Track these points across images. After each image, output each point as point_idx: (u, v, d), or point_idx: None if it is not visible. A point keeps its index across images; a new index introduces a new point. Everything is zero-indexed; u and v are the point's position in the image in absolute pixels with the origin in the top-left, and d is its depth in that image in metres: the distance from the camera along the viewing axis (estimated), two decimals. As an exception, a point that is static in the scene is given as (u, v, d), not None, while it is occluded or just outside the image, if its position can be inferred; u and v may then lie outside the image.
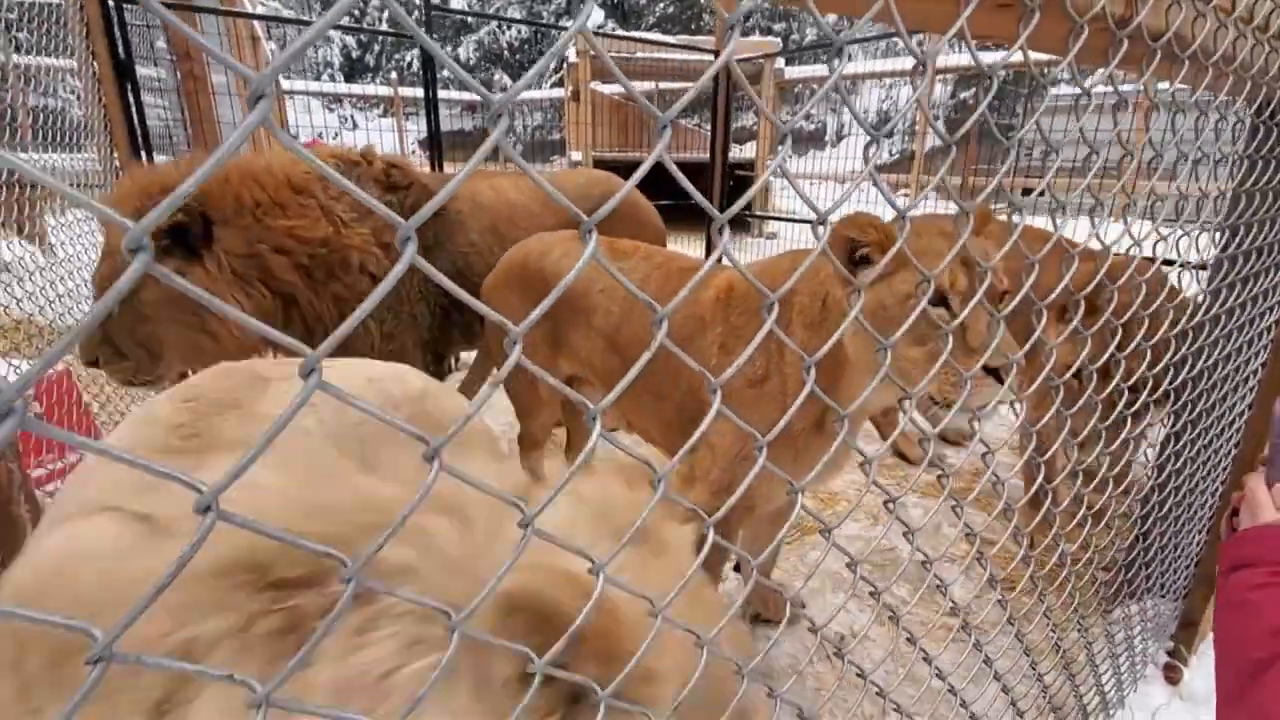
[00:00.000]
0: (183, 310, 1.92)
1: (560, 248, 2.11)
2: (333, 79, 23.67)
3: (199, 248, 1.90)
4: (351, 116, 22.35)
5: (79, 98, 2.70)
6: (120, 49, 2.80)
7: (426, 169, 3.91)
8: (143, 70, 3.07)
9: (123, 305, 1.87)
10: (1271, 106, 1.40)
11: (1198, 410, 1.62)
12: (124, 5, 2.73)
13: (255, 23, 6.82)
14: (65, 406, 2.53)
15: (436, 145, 3.92)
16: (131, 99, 2.89)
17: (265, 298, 2.04)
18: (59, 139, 2.52)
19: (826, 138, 19.84)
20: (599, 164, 9.90)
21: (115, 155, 2.80)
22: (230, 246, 1.95)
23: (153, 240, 1.55)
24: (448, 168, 4.78)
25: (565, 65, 11.13)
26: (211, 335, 1.97)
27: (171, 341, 1.96)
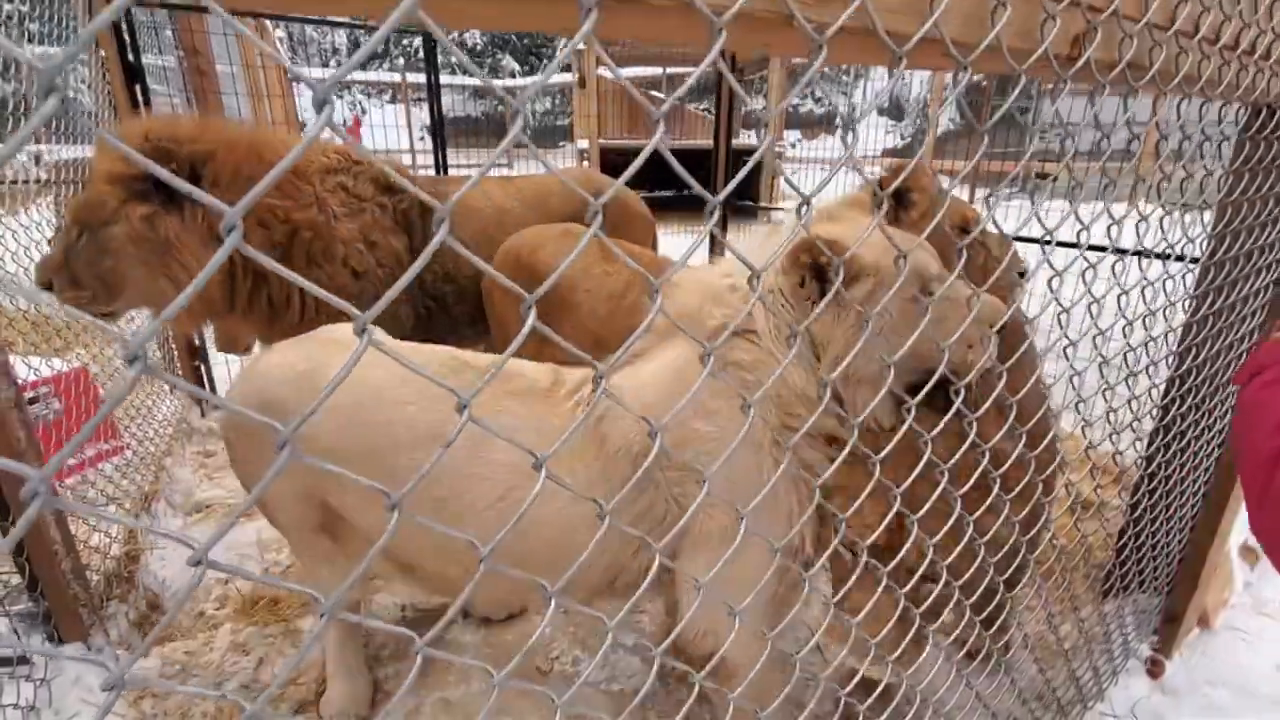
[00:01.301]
0: (149, 252, 1.93)
1: (552, 244, 2.15)
2: (340, 65, 23.56)
3: (179, 198, 1.92)
4: (359, 102, 22.33)
5: (89, 87, 2.74)
6: (127, 39, 2.84)
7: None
8: (149, 59, 3.11)
9: (90, 236, 1.89)
10: (1260, 120, 1.42)
11: (1187, 405, 1.65)
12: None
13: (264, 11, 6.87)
14: (83, 405, 2.60)
15: (439, 131, 3.93)
16: (139, 89, 2.94)
17: (234, 264, 2.08)
18: (69, 128, 2.56)
19: (837, 121, 19.65)
20: (605, 151, 9.89)
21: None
22: (214, 208, 1.99)
23: (139, 182, 1.59)
24: (453, 155, 4.81)
25: (572, 51, 11.07)
26: (172, 281, 1.97)
27: (133, 280, 1.95)
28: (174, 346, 3.48)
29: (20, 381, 1.86)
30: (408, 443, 1.25)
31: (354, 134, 4.97)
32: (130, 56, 2.91)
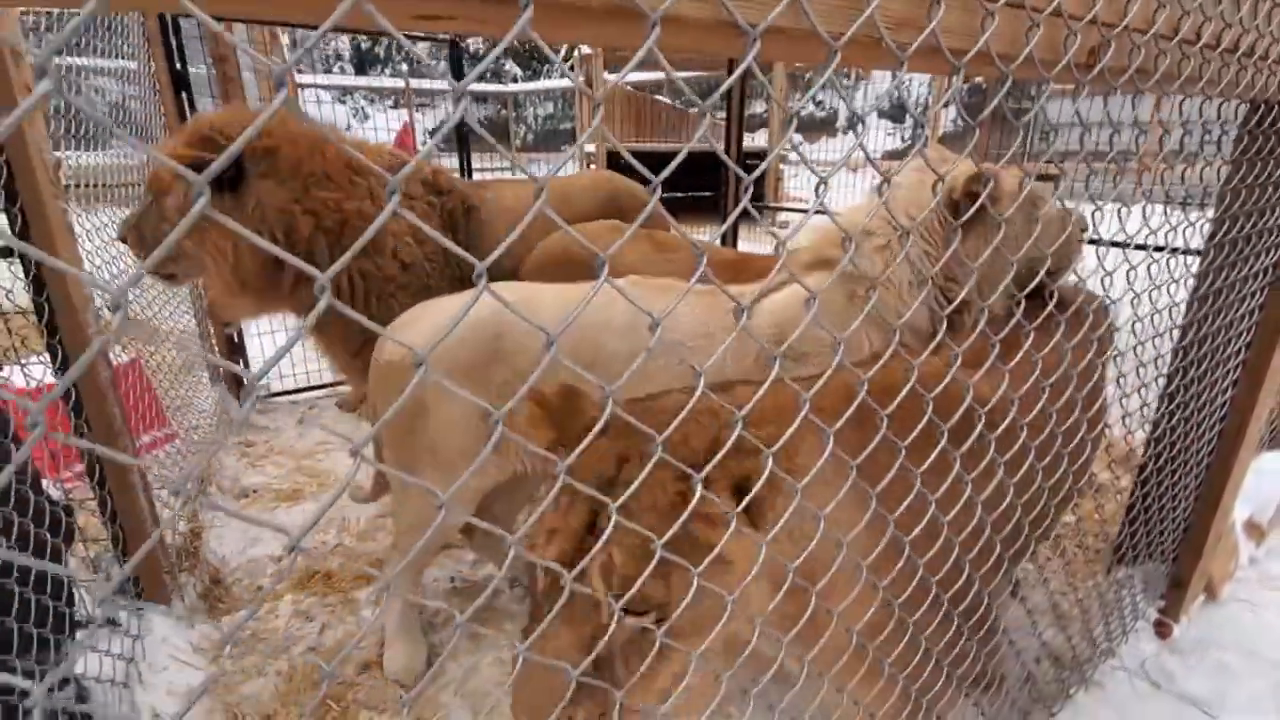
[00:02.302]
0: (196, 227, 2.10)
1: (605, 237, 2.29)
2: (343, 71, 23.85)
3: (235, 183, 2.09)
4: (362, 108, 22.54)
5: (141, 103, 2.89)
6: (176, 56, 2.99)
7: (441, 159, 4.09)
8: (194, 70, 3.26)
9: (156, 203, 2.12)
10: (1258, 115, 1.56)
11: (1190, 380, 1.78)
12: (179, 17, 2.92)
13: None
14: (139, 391, 2.74)
15: (463, 138, 4.08)
16: (185, 97, 3.09)
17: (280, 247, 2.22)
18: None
19: (838, 124, 19.83)
20: (612, 155, 10.04)
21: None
22: (269, 199, 2.14)
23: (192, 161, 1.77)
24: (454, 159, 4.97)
25: (578, 55, 11.23)
26: (208, 254, 2.14)
27: (183, 249, 2.13)
28: (214, 341, 3.62)
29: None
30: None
31: (405, 141, 5.12)
32: (178, 65, 3.06)
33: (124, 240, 2.18)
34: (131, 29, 2.78)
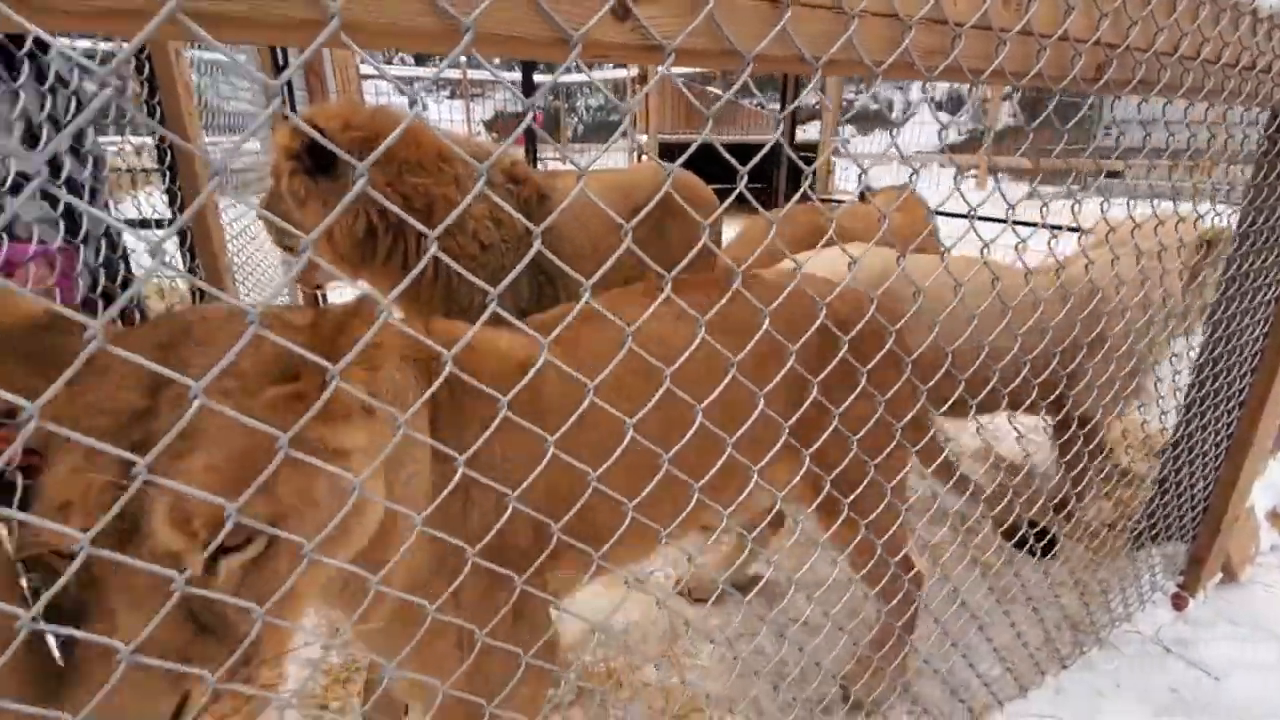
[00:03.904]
0: (294, 204, 2.38)
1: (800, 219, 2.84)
2: (403, 62, 24.57)
3: (329, 168, 2.34)
4: (421, 98, 23.14)
5: (250, 99, 3.22)
6: (281, 54, 3.32)
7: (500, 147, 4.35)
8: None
9: (277, 184, 2.39)
10: (1277, 122, 1.69)
11: (1218, 367, 1.91)
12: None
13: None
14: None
15: (530, 131, 4.33)
16: (287, 94, 3.41)
17: (373, 223, 2.49)
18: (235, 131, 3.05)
19: (893, 116, 19.52)
20: (664, 146, 10.21)
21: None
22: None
23: (294, 149, 2.11)
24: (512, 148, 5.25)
25: (631, 48, 11.37)
26: (302, 230, 2.37)
27: (295, 223, 2.41)
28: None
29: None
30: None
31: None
32: (282, 63, 3.38)
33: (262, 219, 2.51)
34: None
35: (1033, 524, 2.11)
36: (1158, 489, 2.23)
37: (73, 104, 1.52)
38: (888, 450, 1.28)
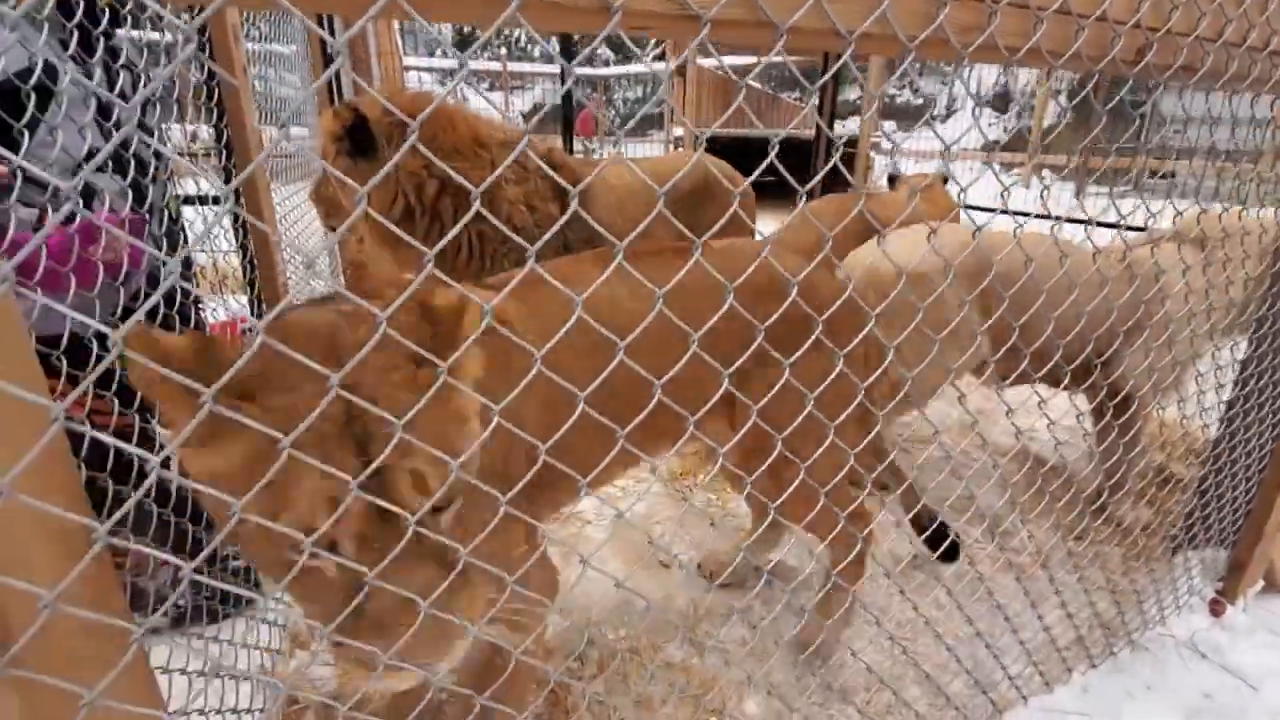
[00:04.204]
0: (338, 185, 2.52)
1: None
2: (445, 54, 24.94)
3: (368, 150, 2.42)
4: (460, 89, 23.49)
5: (298, 88, 3.33)
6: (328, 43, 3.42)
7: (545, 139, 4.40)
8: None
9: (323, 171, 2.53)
10: None
11: (1264, 368, 1.86)
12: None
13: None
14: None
15: (567, 121, 4.38)
16: (334, 83, 3.52)
17: (411, 206, 2.57)
18: (286, 120, 3.16)
19: (936, 112, 19.12)
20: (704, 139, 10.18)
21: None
22: (404, 164, 2.50)
23: (339, 133, 2.20)
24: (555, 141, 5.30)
25: (671, 41, 11.38)
26: (342, 209, 2.55)
27: (339, 204, 2.57)
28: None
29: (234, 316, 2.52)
30: None
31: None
32: (329, 51, 3.49)
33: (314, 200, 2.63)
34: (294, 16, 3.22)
35: (939, 528, 2.10)
36: (1197, 492, 2.18)
37: (141, 83, 1.61)
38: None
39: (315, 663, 1.85)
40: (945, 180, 3.51)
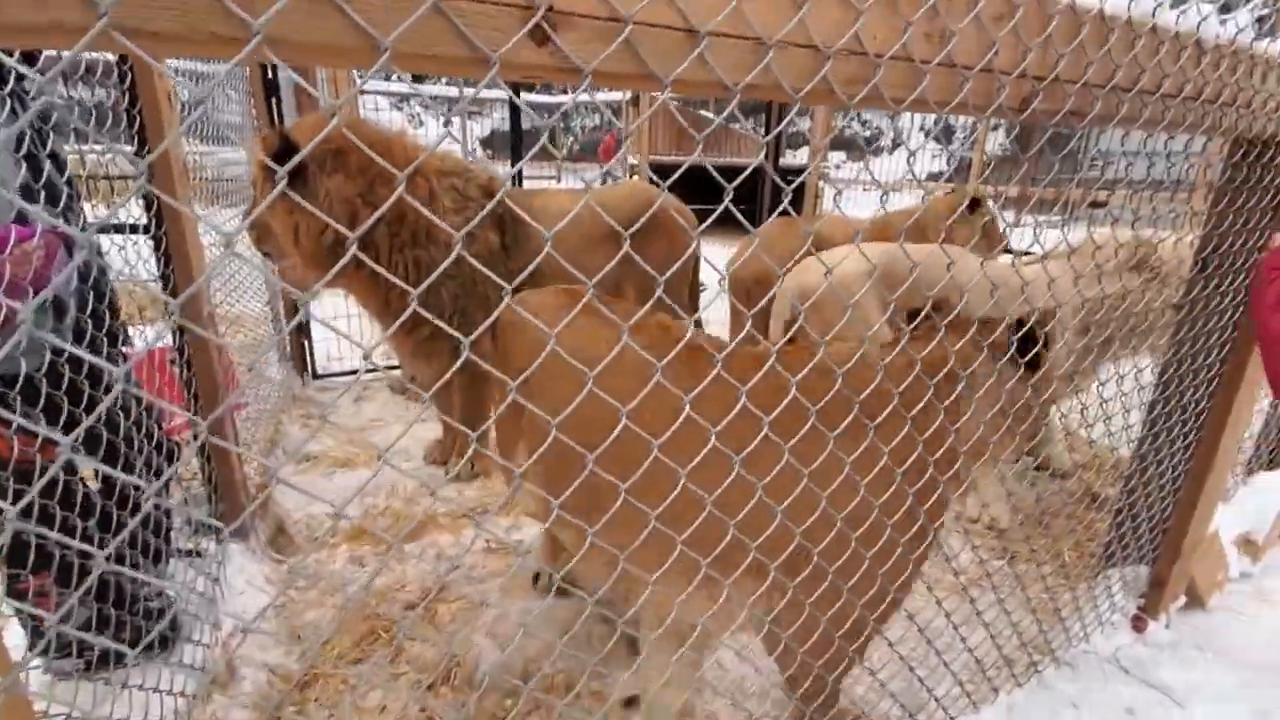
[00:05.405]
0: (267, 212, 2.50)
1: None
2: (401, 79, 24.86)
3: (298, 176, 2.42)
4: (418, 115, 23.42)
5: (239, 105, 3.27)
6: (270, 66, 3.38)
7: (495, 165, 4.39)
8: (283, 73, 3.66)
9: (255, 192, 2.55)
10: (1242, 151, 1.74)
11: (1172, 390, 1.95)
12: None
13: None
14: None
15: (515, 148, 4.39)
16: (275, 101, 3.48)
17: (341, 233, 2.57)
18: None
19: (882, 144, 19.84)
20: (656, 168, 10.34)
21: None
22: (338, 192, 2.48)
23: (264, 168, 2.20)
24: (505, 166, 5.31)
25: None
26: (283, 235, 2.54)
27: (270, 228, 2.57)
28: (284, 323, 3.99)
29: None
30: None
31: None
32: (270, 75, 3.44)
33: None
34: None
35: None
36: (1116, 510, 2.26)
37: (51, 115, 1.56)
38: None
39: (234, 705, 1.77)
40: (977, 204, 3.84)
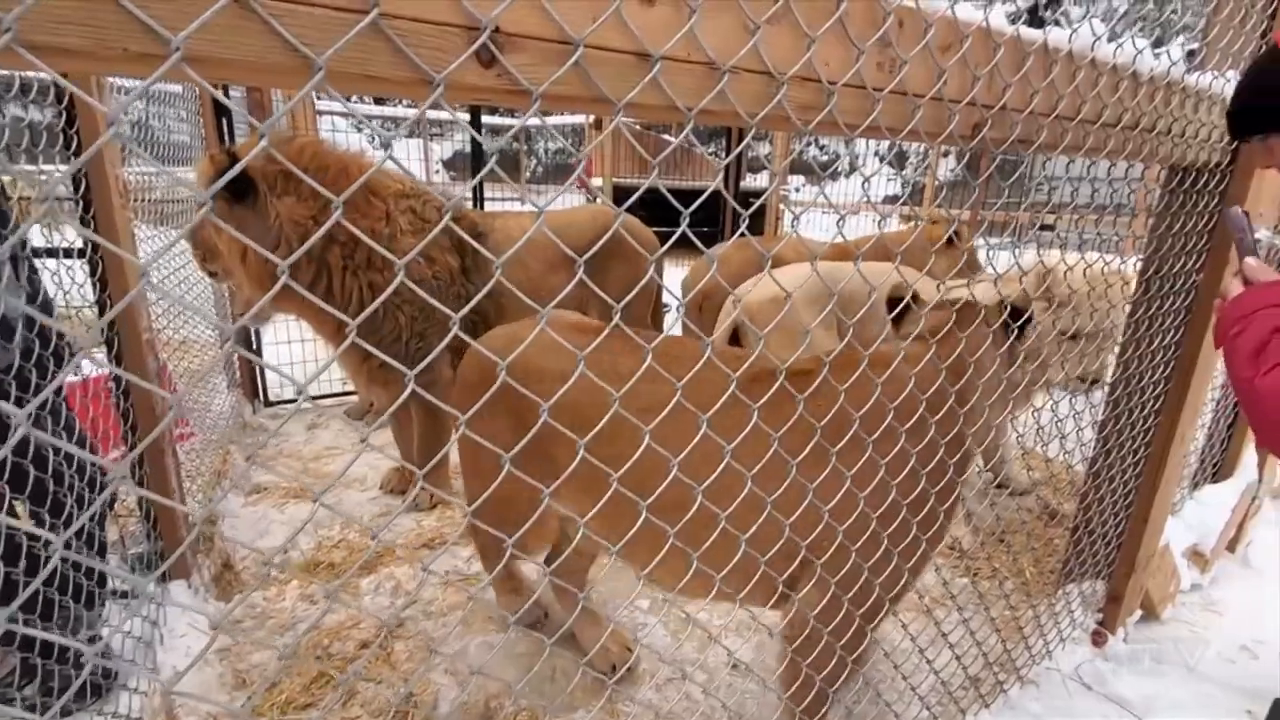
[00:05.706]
0: (213, 231, 2.49)
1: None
2: (361, 100, 24.65)
3: (244, 196, 2.37)
4: (378, 137, 23.21)
5: (187, 123, 3.17)
6: (220, 84, 3.30)
7: (454, 187, 4.35)
8: (235, 92, 3.58)
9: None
10: (1178, 177, 1.81)
11: (1121, 408, 2.00)
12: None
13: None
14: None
15: (479, 168, 4.35)
16: (225, 121, 3.39)
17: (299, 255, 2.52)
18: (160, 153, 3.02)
19: (839, 168, 20.39)
20: (619, 190, 10.42)
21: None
22: (290, 214, 2.42)
23: (213, 178, 2.16)
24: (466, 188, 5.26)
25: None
26: (228, 257, 2.50)
27: (215, 250, 2.52)
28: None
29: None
30: None
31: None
32: (225, 92, 3.35)
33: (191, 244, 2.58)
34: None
35: None
36: (1075, 527, 2.30)
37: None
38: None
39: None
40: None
